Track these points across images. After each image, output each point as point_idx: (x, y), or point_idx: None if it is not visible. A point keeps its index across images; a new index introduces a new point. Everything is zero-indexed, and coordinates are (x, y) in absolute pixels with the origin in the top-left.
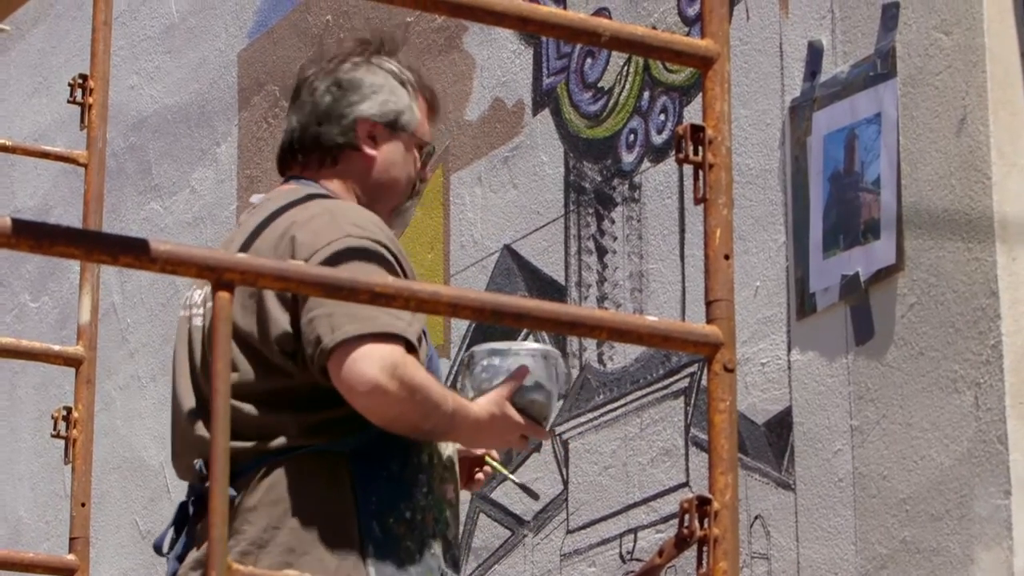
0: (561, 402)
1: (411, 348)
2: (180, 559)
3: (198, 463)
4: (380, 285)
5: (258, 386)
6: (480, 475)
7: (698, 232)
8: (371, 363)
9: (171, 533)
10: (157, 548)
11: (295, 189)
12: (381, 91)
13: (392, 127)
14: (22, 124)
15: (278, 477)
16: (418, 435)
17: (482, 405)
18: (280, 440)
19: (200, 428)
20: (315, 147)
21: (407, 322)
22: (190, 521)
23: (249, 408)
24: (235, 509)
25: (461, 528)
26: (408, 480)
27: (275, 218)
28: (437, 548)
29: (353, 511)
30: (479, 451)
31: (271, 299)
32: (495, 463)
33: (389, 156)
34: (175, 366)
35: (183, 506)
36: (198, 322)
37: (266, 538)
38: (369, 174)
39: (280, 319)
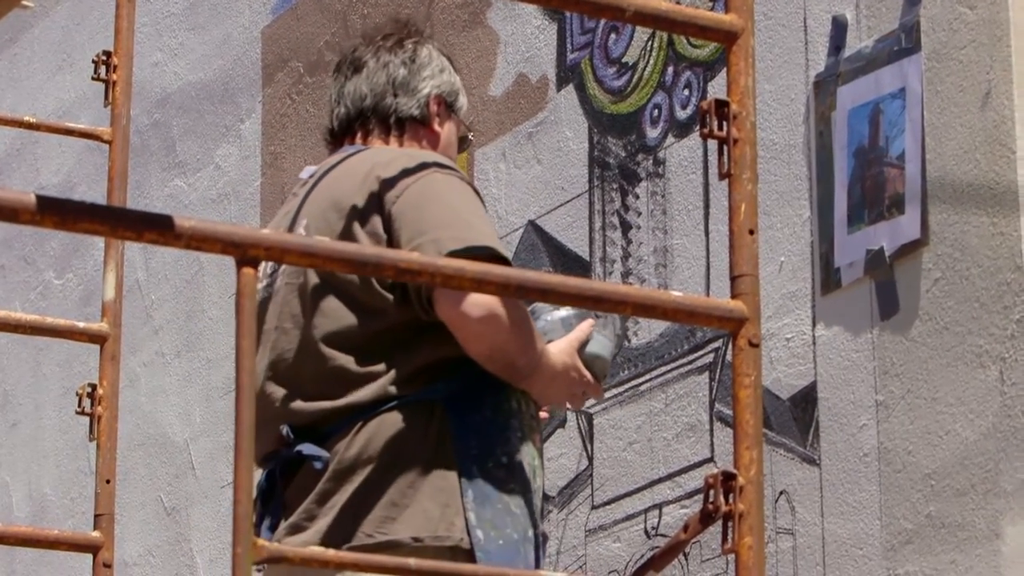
0: None
1: None
2: (272, 529)
3: (284, 428)
4: (405, 260)
5: (356, 332)
6: (544, 413)
7: (723, 207)
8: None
9: (258, 505)
10: None
11: (360, 152)
12: (445, 71)
13: (450, 108)
14: (46, 101)
15: (374, 431)
16: (509, 373)
17: (556, 353)
18: (373, 391)
19: (281, 395)
20: (386, 117)
21: (504, 246)
22: (278, 489)
23: (346, 359)
24: (332, 468)
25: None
26: (501, 425)
27: (351, 169)
28: (534, 494)
29: (453, 458)
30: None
31: (362, 237)
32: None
33: (448, 136)
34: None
35: (271, 474)
36: (263, 294)
37: (368, 494)
38: (434, 150)
39: None
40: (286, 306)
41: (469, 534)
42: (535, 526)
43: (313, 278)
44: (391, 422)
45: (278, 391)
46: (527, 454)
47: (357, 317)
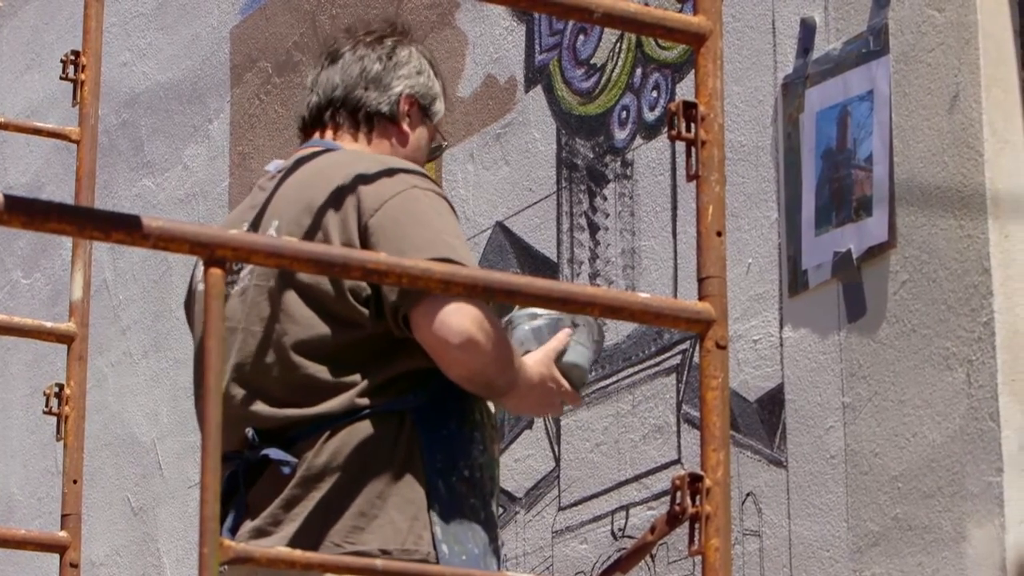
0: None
1: None
2: (233, 531)
3: (250, 431)
4: (372, 261)
5: (329, 342)
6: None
7: (690, 209)
8: (464, 315)
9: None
10: None
11: (329, 149)
12: (423, 74)
13: (424, 112)
14: (14, 101)
15: (344, 440)
16: (486, 391)
17: (533, 366)
18: (343, 401)
19: (245, 397)
20: (355, 110)
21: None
22: (241, 491)
23: (317, 368)
24: (300, 474)
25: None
26: (466, 438)
27: (325, 172)
28: (494, 506)
29: (420, 470)
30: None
31: (337, 244)
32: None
33: (418, 139)
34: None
35: (232, 476)
36: (227, 289)
37: (336, 502)
38: (401, 150)
39: None
40: (255, 308)
41: (435, 548)
42: (494, 538)
43: (285, 283)
44: (361, 431)
45: (241, 393)
46: (488, 466)
47: (330, 327)
